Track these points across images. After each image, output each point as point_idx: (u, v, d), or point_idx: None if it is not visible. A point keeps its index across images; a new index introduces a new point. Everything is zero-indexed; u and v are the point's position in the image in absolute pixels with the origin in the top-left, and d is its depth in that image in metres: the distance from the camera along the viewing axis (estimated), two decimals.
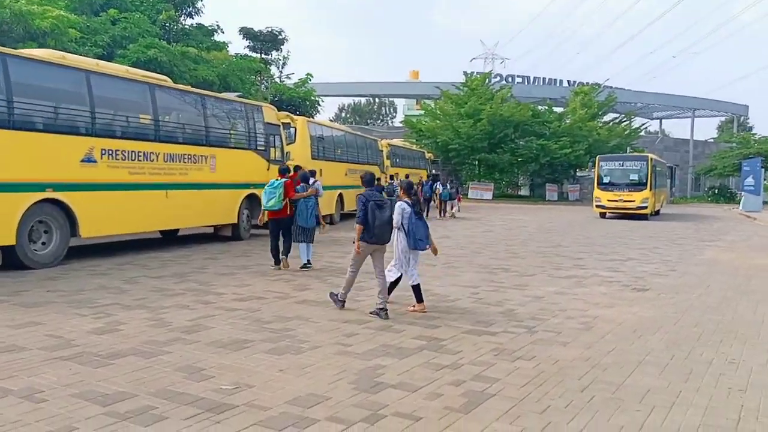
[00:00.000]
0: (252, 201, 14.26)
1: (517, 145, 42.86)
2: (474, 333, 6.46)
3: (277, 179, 10.55)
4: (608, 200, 26.75)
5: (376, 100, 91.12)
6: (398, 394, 4.55)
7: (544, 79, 57.68)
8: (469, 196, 41.14)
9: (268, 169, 15.07)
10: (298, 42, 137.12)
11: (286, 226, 10.53)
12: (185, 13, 26.28)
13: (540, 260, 12.52)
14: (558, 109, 47.18)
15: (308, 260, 10.56)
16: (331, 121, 64.59)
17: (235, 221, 14.12)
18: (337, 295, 7.51)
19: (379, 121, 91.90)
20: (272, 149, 15.54)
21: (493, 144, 42.25)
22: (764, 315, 7.73)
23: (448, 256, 12.92)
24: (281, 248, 10.61)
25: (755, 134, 51.86)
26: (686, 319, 7.37)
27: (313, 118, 34.48)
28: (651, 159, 27.42)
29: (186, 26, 25.99)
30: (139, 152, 11.44)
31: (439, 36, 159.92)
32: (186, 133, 12.97)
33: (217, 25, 26.57)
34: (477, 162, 44.37)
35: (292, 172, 11.63)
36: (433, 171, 37.31)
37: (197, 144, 12.98)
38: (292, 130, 17.34)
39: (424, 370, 5.16)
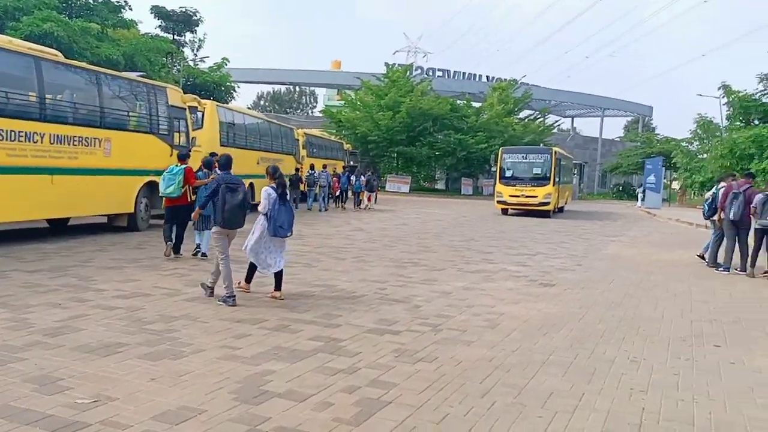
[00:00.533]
0: (152, 189, 13.30)
1: (435, 139, 43.08)
2: (376, 332, 6.09)
3: (177, 165, 10.15)
4: (510, 195, 24.99)
5: (297, 89, 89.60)
6: (284, 405, 4.10)
7: (463, 73, 58.37)
8: (386, 189, 41.02)
9: (171, 155, 14.15)
10: (215, 26, 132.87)
11: (183, 214, 10.10)
12: None
13: (451, 254, 12.37)
14: (476, 104, 47.85)
15: (203, 252, 10.19)
16: (249, 108, 62.86)
17: (132, 210, 13.15)
18: (225, 297, 6.97)
19: (299, 111, 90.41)
20: (177, 134, 14.62)
21: (411, 137, 42.31)
22: (664, 311, 7.81)
23: (359, 249, 12.57)
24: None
25: (658, 135, 54.59)
26: (590, 316, 7.32)
27: (228, 104, 33.30)
28: (555, 152, 26.00)
29: (90, 1, 24.25)
30: (20, 132, 10.32)
31: (363, 26, 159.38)
32: (77, 113, 11.88)
33: (125, 1, 24.96)
34: (396, 155, 44.34)
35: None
36: (351, 162, 36.95)
37: (90, 125, 11.93)
38: (200, 114, 16.42)
39: (317, 375, 4.74)
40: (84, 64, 12.97)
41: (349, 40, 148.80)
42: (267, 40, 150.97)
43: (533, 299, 8.15)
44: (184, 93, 18.94)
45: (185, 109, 15.01)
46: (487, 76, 56.90)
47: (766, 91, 30.61)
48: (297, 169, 24.06)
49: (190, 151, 14.49)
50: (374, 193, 26.67)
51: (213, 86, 34.41)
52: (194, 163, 11.39)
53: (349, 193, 26.01)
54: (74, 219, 13.40)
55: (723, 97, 32.47)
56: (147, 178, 13.33)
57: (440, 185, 51.73)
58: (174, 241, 10.18)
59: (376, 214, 22.86)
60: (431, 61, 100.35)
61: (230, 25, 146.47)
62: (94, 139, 11.96)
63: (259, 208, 7.22)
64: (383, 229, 17.07)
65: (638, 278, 10.39)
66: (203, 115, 16.76)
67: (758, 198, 10.91)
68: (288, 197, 7.40)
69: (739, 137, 28.12)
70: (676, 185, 52.77)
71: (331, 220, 19.22)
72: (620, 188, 55.09)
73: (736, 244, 11.35)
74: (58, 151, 11.13)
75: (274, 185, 7.25)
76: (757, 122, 30.83)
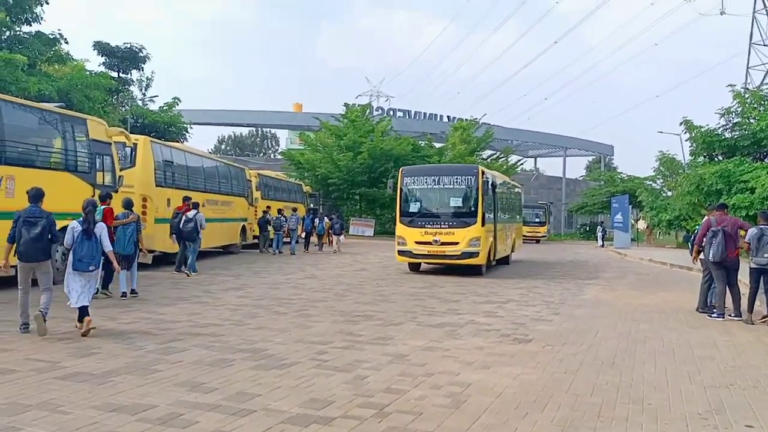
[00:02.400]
0: None
1: None
2: (299, 422, 4.49)
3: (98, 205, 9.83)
4: (417, 243, 16.05)
5: (258, 132, 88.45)
6: None
7: (424, 113, 57.91)
8: (350, 233, 39.44)
9: (93, 195, 12.48)
10: (172, 67, 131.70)
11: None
12: (23, 20, 22.85)
13: (411, 304, 10.83)
14: (438, 145, 47.05)
15: (132, 289, 10.51)
16: (210, 152, 60.98)
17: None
18: (20, 325, 7.23)
19: (261, 154, 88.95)
20: (100, 172, 12.95)
21: (373, 178, 41.01)
22: (666, 371, 6.37)
23: (306, 300, 10.96)
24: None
25: (621, 173, 54.52)
26: (580, 383, 5.83)
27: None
28: (482, 173, 16.29)
29: (21, 33, 22.58)
30: None
31: (324, 72, 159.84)
32: None
33: (60, 34, 23.35)
34: (358, 197, 42.95)
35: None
36: (311, 205, 35.53)
37: None
38: (129, 150, 14.72)
39: None
40: None
41: (311, 86, 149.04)
42: (227, 85, 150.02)
43: (507, 361, 6.64)
44: (132, 133, 17.46)
45: (110, 144, 13.36)
46: (447, 116, 56.46)
47: (727, 126, 30.28)
48: (264, 212, 22.98)
49: (115, 190, 12.97)
50: (341, 236, 25.72)
51: (164, 127, 32.82)
52: None
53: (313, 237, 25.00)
54: None
55: (685, 132, 32.17)
56: (63, 222, 11.55)
57: None
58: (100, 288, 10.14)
59: (335, 259, 21.26)
60: (393, 104, 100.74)
61: (188, 69, 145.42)
62: None
63: (64, 243, 7.45)
64: (339, 276, 15.47)
65: (626, 328, 8.99)
66: (134, 151, 15.08)
67: (751, 233, 9.68)
68: (93, 233, 7.47)
69: (705, 173, 27.55)
70: (642, 224, 52.60)
71: (284, 267, 17.53)
72: (587, 228, 54.58)
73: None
74: None
75: (81, 219, 7.47)
76: (720, 157, 30.43)
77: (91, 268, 7.35)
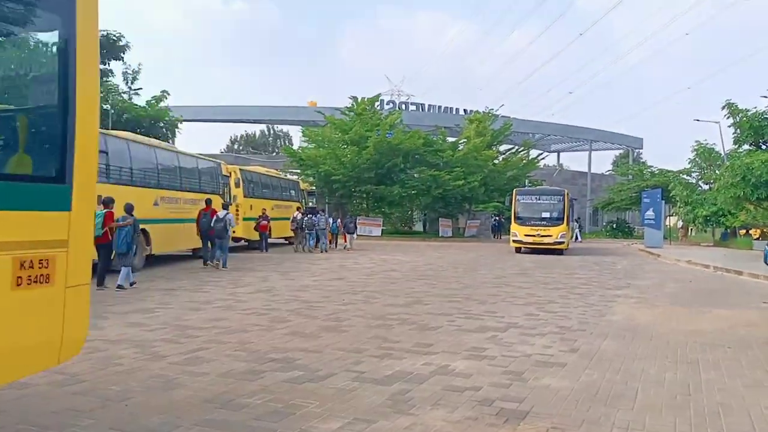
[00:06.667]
0: None
1: (408, 176, 38.83)
2: None
3: (100, 210, 11.05)
4: None
5: (270, 130, 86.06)
6: None
7: (439, 107, 54.54)
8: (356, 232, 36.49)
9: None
10: (195, 70, 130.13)
11: (103, 250, 11.25)
12: None
13: (369, 335, 7.76)
14: (452, 139, 43.84)
15: (130, 283, 11.44)
16: (222, 152, 58.23)
17: None
18: None
19: (274, 153, 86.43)
20: None
21: (381, 174, 37.96)
22: None
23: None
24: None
25: (651, 167, 50.58)
26: None
27: (172, 143, 29.10)
28: None
29: None
30: None
31: (348, 73, 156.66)
32: None
33: None
34: (364, 194, 39.92)
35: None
36: (311, 203, 32.80)
37: None
38: None
39: None
40: None
41: (334, 87, 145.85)
42: (245, 86, 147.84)
43: None
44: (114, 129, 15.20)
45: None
46: (464, 110, 53.06)
47: None
48: (304, 213, 24.21)
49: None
50: (353, 235, 27.41)
51: (150, 122, 30.22)
52: None
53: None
54: None
55: (727, 117, 28.50)
56: None
57: (419, 227, 47.30)
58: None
59: (352, 258, 18.24)
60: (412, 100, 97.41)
61: (207, 69, 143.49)
62: None
63: None
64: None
65: (681, 381, 5.81)
66: None
67: None
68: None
69: (754, 161, 23.90)
70: (672, 221, 48.64)
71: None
72: (614, 225, 50.80)
73: None
74: None
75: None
76: None
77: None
